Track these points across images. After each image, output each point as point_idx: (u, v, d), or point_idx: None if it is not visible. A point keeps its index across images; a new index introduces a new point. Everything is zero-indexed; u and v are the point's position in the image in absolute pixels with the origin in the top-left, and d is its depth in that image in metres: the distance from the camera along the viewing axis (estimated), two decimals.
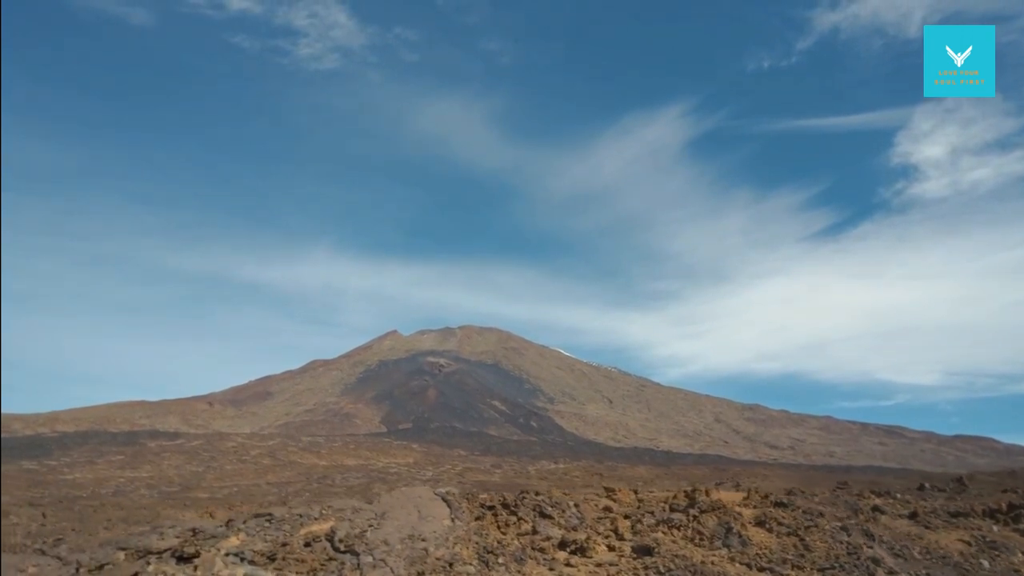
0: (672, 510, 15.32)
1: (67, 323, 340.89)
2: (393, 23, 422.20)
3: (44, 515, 26.90)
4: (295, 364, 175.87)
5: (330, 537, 12.88)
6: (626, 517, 15.00)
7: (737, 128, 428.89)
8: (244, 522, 13.34)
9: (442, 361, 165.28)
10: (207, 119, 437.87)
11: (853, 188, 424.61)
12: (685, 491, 16.22)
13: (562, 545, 13.62)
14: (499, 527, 14.52)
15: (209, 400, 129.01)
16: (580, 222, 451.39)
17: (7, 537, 23.51)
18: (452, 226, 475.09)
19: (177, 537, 12.70)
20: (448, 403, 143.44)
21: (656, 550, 13.04)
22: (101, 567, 11.76)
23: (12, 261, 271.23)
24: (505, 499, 15.51)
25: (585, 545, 13.40)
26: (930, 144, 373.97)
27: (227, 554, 11.98)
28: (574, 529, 14.51)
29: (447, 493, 14.96)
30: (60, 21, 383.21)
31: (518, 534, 14.20)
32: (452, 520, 13.84)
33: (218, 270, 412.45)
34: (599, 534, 14.35)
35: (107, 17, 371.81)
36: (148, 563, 12.02)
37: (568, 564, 12.82)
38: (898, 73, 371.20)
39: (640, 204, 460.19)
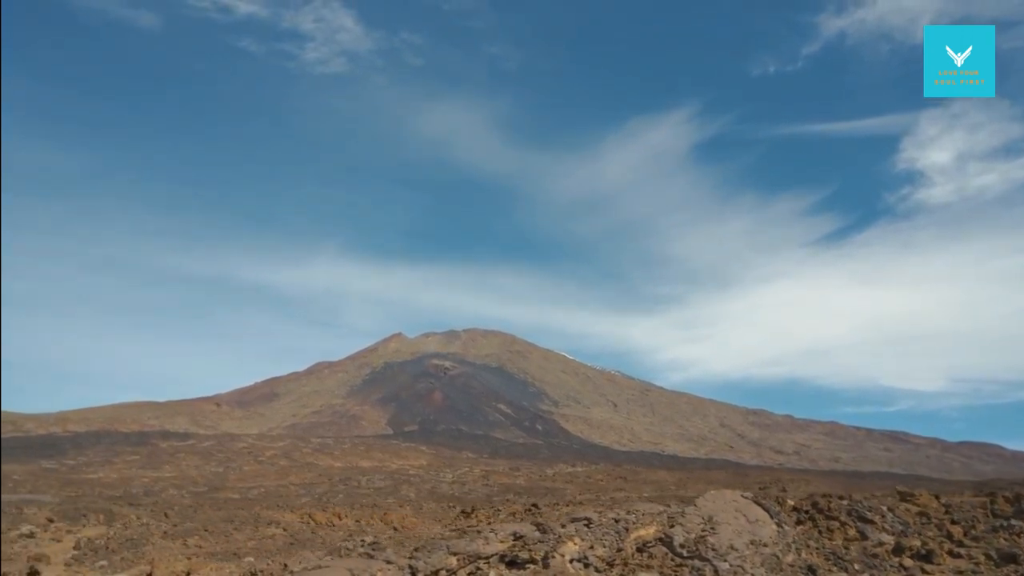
0: (994, 515, 14.45)
1: (72, 325, 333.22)
2: (399, 27, 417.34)
3: (166, 515, 25.42)
4: (300, 366, 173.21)
5: (668, 542, 11.75)
6: (954, 522, 14.10)
7: (742, 133, 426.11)
8: (563, 526, 12.21)
9: (447, 364, 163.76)
10: (212, 122, 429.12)
11: (858, 193, 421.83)
12: (1005, 496, 15.39)
13: (896, 551, 12.65)
14: (820, 532, 13.54)
15: (216, 401, 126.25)
16: (583, 226, 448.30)
17: (144, 536, 22.14)
18: (456, 229, 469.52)
19: (501, 542, 11.54)
20: (454, 406, 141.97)
21: (1022, 557, 12.17)
22: (436, 572, 10.58)
23: (17, 263, 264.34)
24: (817, 503, 14.51)
25: (924, 551, 12.45)
26: (936, 149, 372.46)
27: (571, 560, 10.87)
28: (904, 535, 13.55)
29: (754, 497, 13.94)
30: (64, 23, 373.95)
31: (846, 539, 13.23)
32: (778, 525, 12.81)
33: (223, 272, 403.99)
34: (931, 539, 13.41)
35: (112, 19, 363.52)
36: (479, 568, 10.86)
37: (923, 571, 11.87)
38: (904, 78, 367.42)
39: (644, 208, 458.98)
